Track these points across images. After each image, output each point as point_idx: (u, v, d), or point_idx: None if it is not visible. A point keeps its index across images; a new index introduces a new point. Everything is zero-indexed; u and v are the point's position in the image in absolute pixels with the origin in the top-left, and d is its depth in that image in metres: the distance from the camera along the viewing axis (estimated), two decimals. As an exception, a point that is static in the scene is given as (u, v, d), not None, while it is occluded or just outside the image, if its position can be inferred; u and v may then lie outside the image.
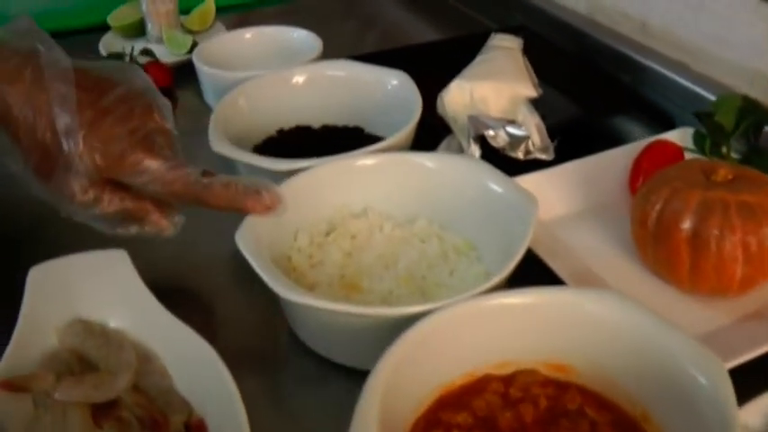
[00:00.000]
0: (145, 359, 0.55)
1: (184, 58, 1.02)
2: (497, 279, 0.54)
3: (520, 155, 0.74)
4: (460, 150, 0.76)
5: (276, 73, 0.83)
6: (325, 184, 0.66)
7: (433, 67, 0.89)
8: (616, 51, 0.96)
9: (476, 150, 0.73)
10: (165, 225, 0.61)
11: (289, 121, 0.84)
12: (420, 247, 0.65)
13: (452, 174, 0.66)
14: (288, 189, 0.62)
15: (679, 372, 0.46)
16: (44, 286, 0.58)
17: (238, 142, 0.75)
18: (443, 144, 0.77)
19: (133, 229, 0.61)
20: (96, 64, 0.58)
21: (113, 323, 0.58)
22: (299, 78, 0.84)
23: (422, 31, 1.16)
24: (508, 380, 0.52)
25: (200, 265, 0.70)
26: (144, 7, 1.06)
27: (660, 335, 0.48)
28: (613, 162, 0.78)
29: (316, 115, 0.84)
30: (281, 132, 0.83)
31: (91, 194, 0.56)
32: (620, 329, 0.50)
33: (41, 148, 0.55)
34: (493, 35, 0.99)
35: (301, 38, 0.95)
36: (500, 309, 0.52)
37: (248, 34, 0.97)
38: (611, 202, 0.76)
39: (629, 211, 0.69)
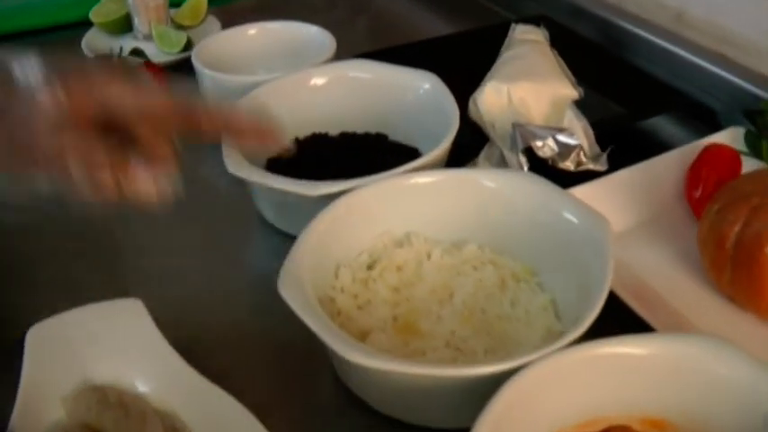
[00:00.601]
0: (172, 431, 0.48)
1: (178, 57, 0.93)
2: (579, 331, 0.47)
3: (570, 166, 0.67)
4: (502, 161, 0.69)
5: (292, 76, 0.75)
6: (364, 210, 0.59)
7: (452, 64, 0.82)
8: (649, 43, 0.89)
9: (524, 163, 0.65)
10: (156, 189, 0.49)
11: (304, 129, 0.76)
12: (474, 276, 0.58)
13: (513, 194, 0.58)
14: (324, 220, 0.54)
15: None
16: (45, 348, 0.50)
17: (250, 156, 0.67)
18: (483, 155, 0.70)
19: (111, 195, 0.48)
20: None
21: (132, 388, 0.50)
22: (317, 81, 0.76)
23: (431, 23, 1.08)
24: (599, 437, 0.46)
25: (218, 302, 0.63)
26: (130, 1, 0.96)
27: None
28: (665, 169, 0.71)
29: (334, 121, 0.76)
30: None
31: (57, 140, 0.46)
32: (720, 380, 0.44)
33: None
34: (513, 26, 0.91)
35: (311, 35, 0.86)
36: (589, 362, 0.45)
37: (251, 30, 0.87)
38: (667, 213, 0.69)
39: (686, 224, 0.66)
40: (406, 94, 0.73)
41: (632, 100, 0.83)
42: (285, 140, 0.53)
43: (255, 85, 0.73)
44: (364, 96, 0.75)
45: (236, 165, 0.62)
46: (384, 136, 0.76)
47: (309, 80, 0.75)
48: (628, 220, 0.67)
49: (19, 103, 0.47)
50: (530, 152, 0.65)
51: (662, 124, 0.83)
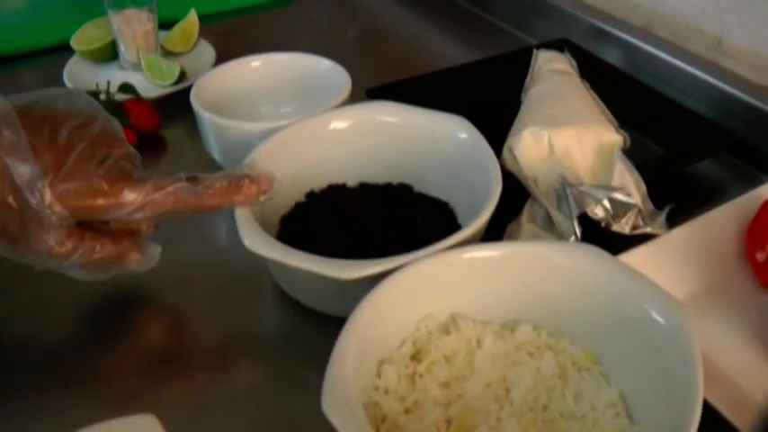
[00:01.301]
0: None
1: (170, 89, 0.84)
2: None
3: (625, 229, 0.60)
4: (547, 221, 0.61)
5: (309, 121, 0.66)
6: (406, 293, 0.51)
7: (473, 95, 0.75)
8: (684, 73, 0.82)
9: (577, 229, 0.58)
10: (145, 260, 0.56)
11: (320, 180, 0.68)
12: (531, 365, 0.51)
13: (585, 274, 0.51)
14: (365, 312, 0.47)
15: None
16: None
17: (262, 215, 0.59)
18: (525, 214, 0.62)
19: (113, 271, 0.55)
20: (31, 95, 0.52)
21: None
22: (338, 125, 0.67)
23: (444, 47, 1.00)
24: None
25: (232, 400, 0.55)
26: (116, 27, 0.86)
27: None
28: (722, 227, 0.64)
29: (352, 171, 0.69)
30: (311, 196, 0.67)
31: (69, 245, 0.51)
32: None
33: (3, 209, 0.49)
34: (536, 53, 0.84)
35: (322, 70, 0.77)
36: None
37: (255, 63, 0.78)
38: (727, 278, 0.62)
39: (749, 290, 0.61)
40: (437, 142, 0.66)
41: (672, 139, 0.76)
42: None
43: (266, 132, 0.65)
44: (389, 143, 0.67)
45: (255, 238, 0.54)
46: (408, 187, 0.68)
47: (329, 124, 0.67)
48: (683, 289, 0.60)
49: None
50: (582, 216, 0.58)
51: (708, 168, 0.76)
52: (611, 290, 0.50)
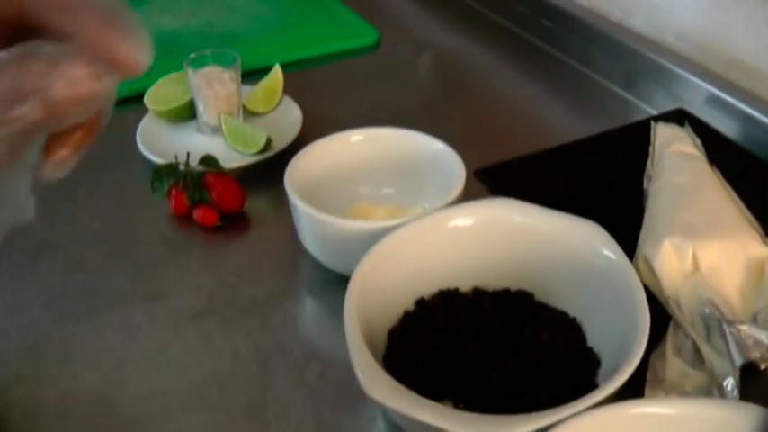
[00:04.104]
0: None
1: (253, 159, 0.78)
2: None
3: (794, 372, 0.52)
4: (695, 354, 0.54)
5: (426, 218, 0.60)
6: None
7: (585, 172, 0.68)
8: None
9: (738, 379, 0.50)
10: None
11: (430, 286, 0.61)
12: None
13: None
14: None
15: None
16: None
17: (368, 323, 0.53)
18: (669, 345, 0.55)
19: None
20: None
21: None
22: (458, 223, 0.60)
23: (547, 107, 0.92)
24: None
25: None
26: (195, 86, 0.80)
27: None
28: None
29: (465, 274, 0.62)
30: (421, 304, 0.60)
31: None
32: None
33: None
34: (654, 126, 0.77)
35: (436, 152, 0.69)
36: None
37: (356, 137, 0.71)
38: None
39: None
40: (570, 250, 0.58)
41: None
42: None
43: (368, 232, 0.59)
44: (509, 245, 0.60)
45: (381, 388, 0.47)
46: (529, 295, 0.61)
47: (449, 222, 0.60)
48: None
49: None
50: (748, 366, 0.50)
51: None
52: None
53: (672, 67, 0.87)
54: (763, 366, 0.51)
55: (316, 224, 0.63)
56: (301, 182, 0.66)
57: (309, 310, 0.67)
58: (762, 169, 0.75)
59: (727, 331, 0.52)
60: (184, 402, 0.57)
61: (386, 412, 0.55)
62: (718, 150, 0.74)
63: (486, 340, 0.57)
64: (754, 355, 0.51)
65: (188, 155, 0.73)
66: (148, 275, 0.69)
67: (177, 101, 0.82)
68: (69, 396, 0.58)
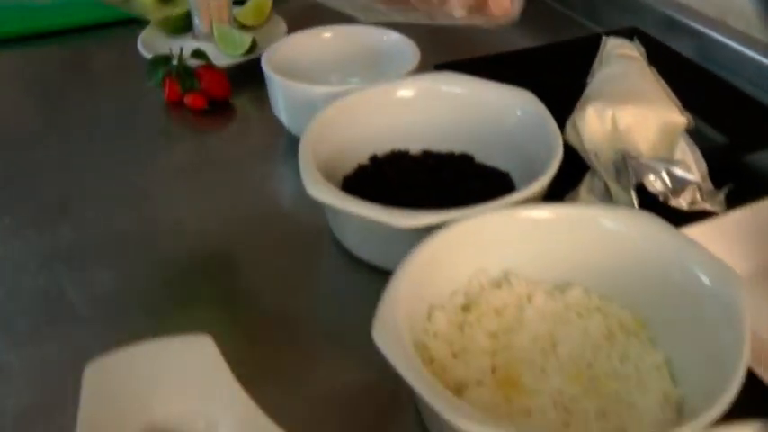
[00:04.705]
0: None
1: (241, 59, 0.86)
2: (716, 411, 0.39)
3: (683, 204, 0.60)
4: (606, 194, 0.61)
5: (377, 87, 0.68)
6: (461, 246, 0.52)
7: (540, 77, 0.75)
8: (758, 65, 0.81)
9: (635, 200, 0.58)
10: None
11: (383, 146, 0.69)
12: (579, 325, 0.51)
13: (639, 240, 0.51)
14: (420, 257, 0.48)
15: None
16: (104, 389, 0.44)
17: (326, 173, 0.61)
18: (584, 186, 0.63)
19: None
20: None
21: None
22: (405, 93, 0.69)
23: (512, 35, 1.00)
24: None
25: (288, 332, 0.56)
26: (191, -1, 0.90)
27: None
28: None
29: (415, 138, 0.70)
30: (374, 160, 0.68)
31: None
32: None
33: None
34: (605, 39, 0.84)
35: (392, 43, 0.79)
36: None
37: (326, 34, 0.81)
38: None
39: None
40: (500, 114, 0.66)
41: (736, 128, 0.75)
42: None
43: (333, 96, 0.67)
44: (453, 113, 0.68)
45: (318, 187, 0.56)
46: (470, 157, 0.69)
47: (396, 92, 0.69)
48: (740, 269, 0.59)
49: None
50: (640, 188, 0.58)
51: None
52: (662, 255, 0.50)
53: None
54: (655, 190, 0.58)
55: (286, 91, 0.72)
56: (276, 67, 0.75)
57: (285, 172, 0.75)
58: (702, 75, 0.83)
59: (629, 163, 0.59)
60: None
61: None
62: (665, 60, 0.82)
63: (427, 189, 0.65)
64: (648, 180, 0.58)
65: (181, 49, 0.82)
66: (143, 147, 0.78)
67: (174, 11, 0.91)
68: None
